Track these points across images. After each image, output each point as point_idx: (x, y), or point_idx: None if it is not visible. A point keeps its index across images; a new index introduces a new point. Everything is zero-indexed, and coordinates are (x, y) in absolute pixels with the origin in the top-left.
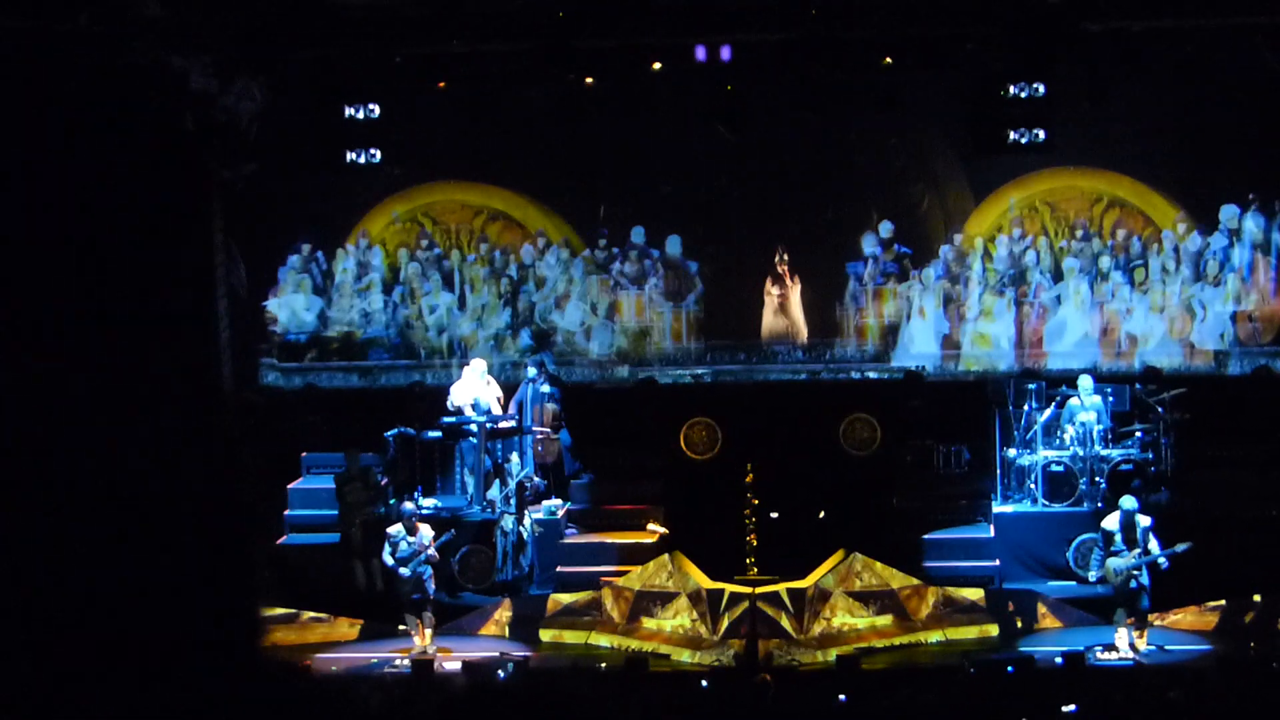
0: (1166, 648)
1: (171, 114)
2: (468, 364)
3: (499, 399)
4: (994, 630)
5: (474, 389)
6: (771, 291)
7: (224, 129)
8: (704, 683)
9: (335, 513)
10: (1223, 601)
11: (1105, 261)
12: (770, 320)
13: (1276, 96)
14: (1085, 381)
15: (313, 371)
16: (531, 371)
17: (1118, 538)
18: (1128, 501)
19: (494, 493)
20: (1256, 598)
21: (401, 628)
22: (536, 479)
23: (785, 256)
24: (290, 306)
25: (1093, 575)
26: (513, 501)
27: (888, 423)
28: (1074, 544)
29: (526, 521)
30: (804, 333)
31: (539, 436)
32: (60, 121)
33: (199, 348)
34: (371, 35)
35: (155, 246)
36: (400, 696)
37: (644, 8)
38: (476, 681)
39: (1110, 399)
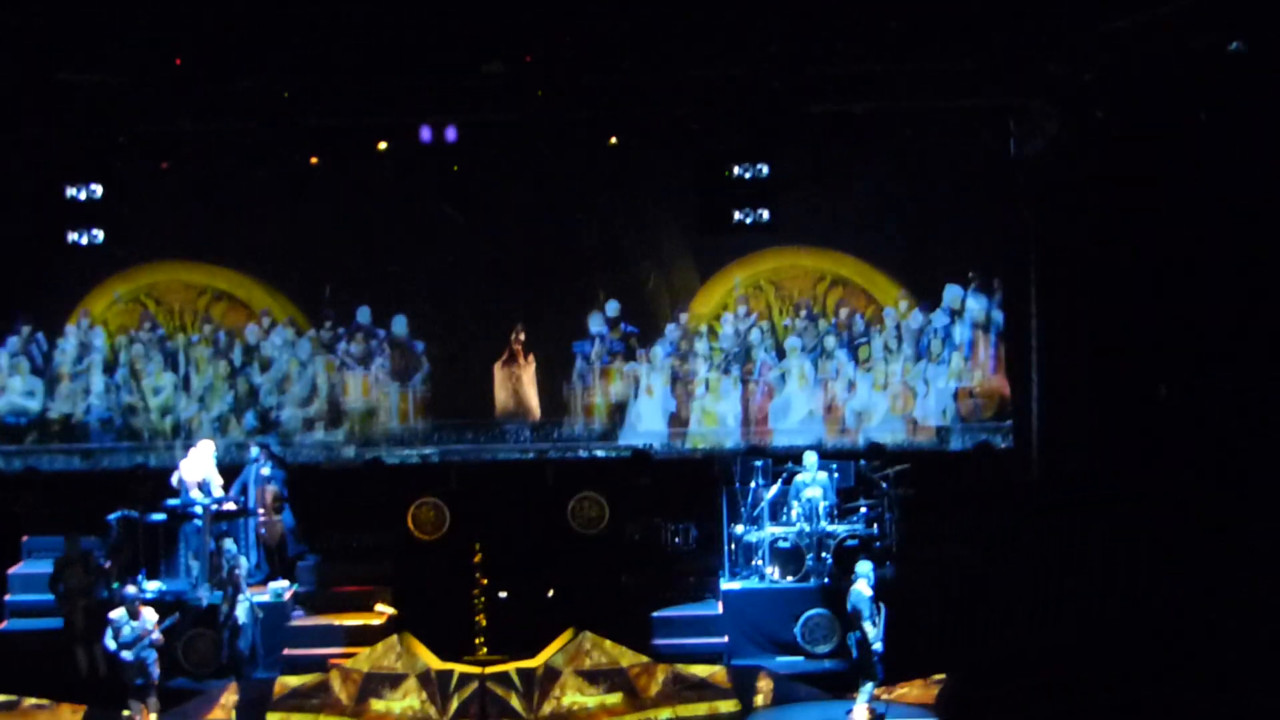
0: None
1: None
2: (194, 445)
3: (220, 484)
4: (726, 707)
5: (202, 470)
6: (505, 370)
7: None
8: None
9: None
10: (943, 675)
11: (829, 340)
12: (503, 399)
13: (995, 178)
14: (810, 458)
15: (33, 454)
16: (254, 452)
17: (869, 606)
18: (865, 566)
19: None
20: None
21: (125, 714)
22: (244, 561)
23: (521, 334)
24: (9, 388)
25: (823, 649)
26: (233, 585)
27: (616, 501)
28: (802, 619)
29: (244, 605)
30: (536, 411)
31: (261, 519)
32: None
33: None
34: (96, 113)
35: None
36: None
37: (369, 88)
38: None
39: (835, 475)
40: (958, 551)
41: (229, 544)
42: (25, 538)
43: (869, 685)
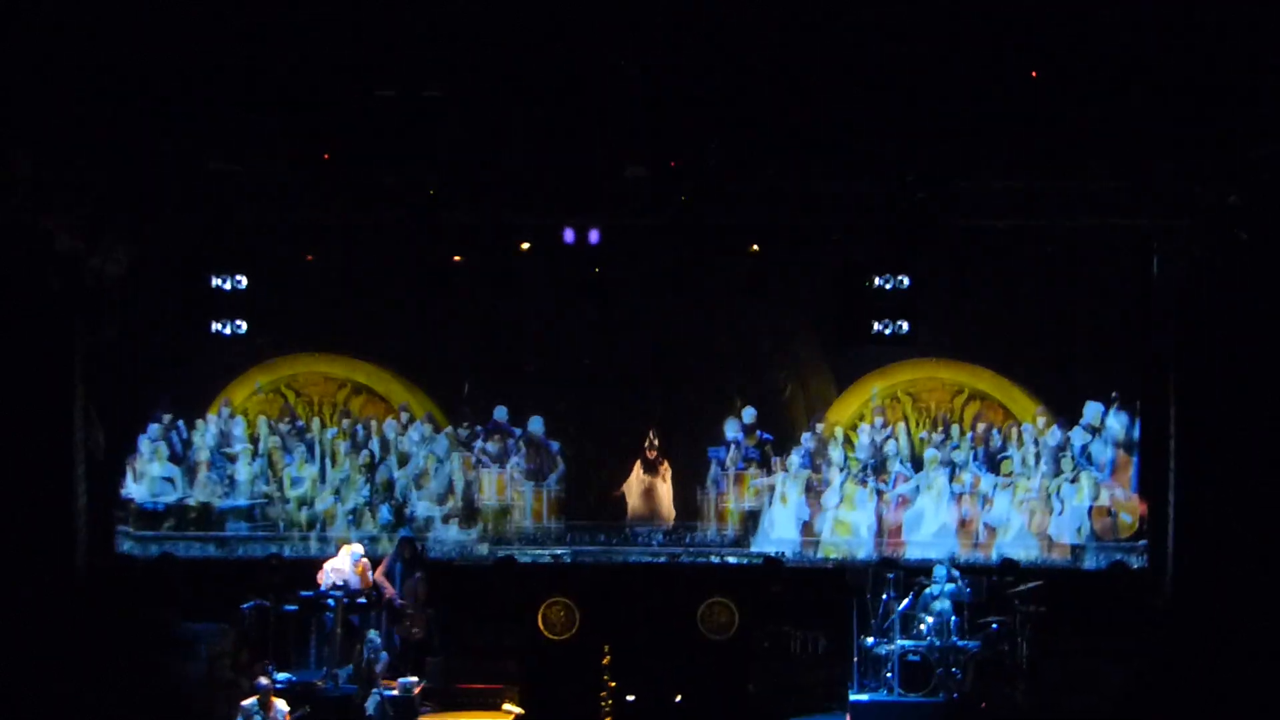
0: None
1: (36, 274)
2: (330, 537)
3: (372, 577)
4: None
5: (343, 566)
6: (639, 474)
7: (89, 291)
8: None
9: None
10: None
11: (964, 453)
12: (636, 503)
13: (1138, 297)
14: (939, 570)
15: (170, 541)
16: (398, 550)
17: None
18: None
19: (343, 669)
20: None
21: None
22: (383, 654)
23: (655, 440)
24: (148, 474)
25: None
26: (370, 677)
27: (746, 607)
28: None
29: (374, 699)
30: (670, 516)
31: (410, 612)
32: None
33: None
34: (243, 203)
35: (14, 408)
36: None
37: (514, 187)
38: None
39: (966, 589)
40: (1088, 668)
41: (373, 634)
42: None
43: None
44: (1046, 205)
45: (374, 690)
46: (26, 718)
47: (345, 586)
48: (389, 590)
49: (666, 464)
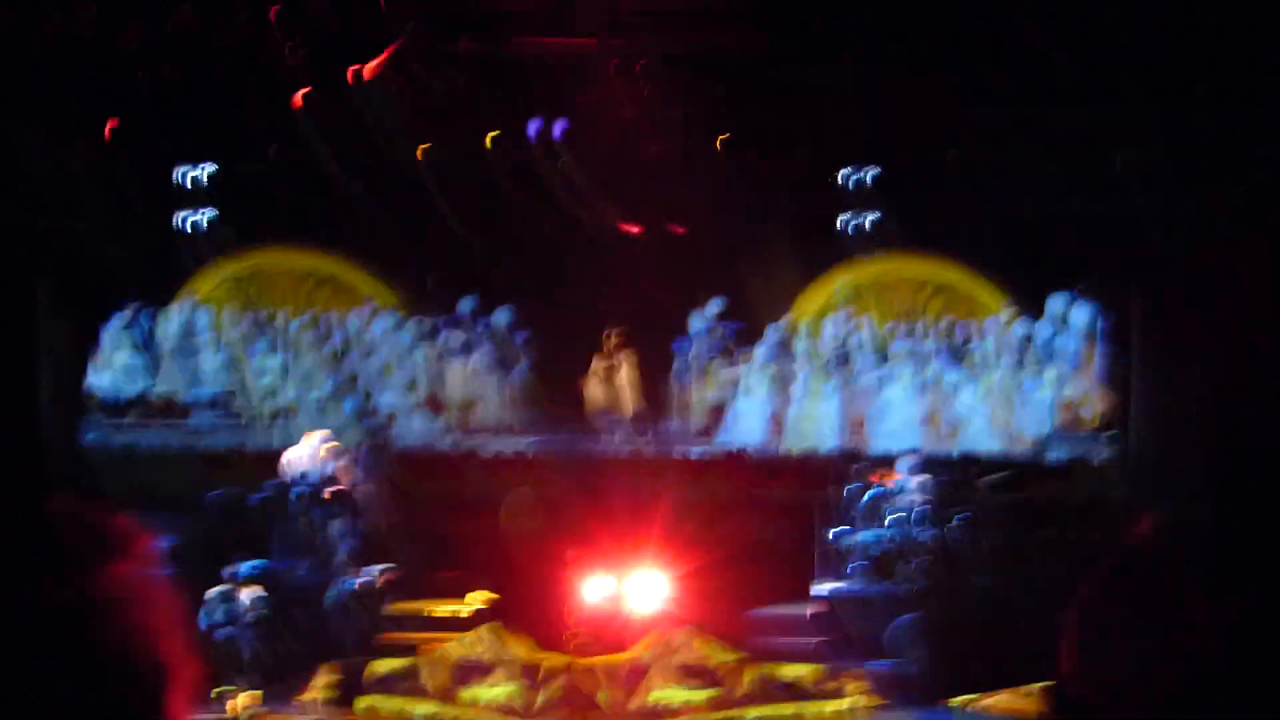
0: None
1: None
2: (295, 428)
3: (336, 467)
4: (814, 708)
5: (309, 454)
6: (599, 367)
7: (52, 184)
8: None
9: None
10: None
11: (930, 346)
12: (596, 396)
13: (1105, 189)
14: (906, 463)
15: (133, 431)
16: (363, 441)
17: None
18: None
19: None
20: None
21: (219, 691)
22: (344, 545)
23: (615, 332)
24: (112, 364)
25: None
26: (329, 566)
27: (712, 501)
28: (894, 623)
29: (340, 588)
30: (631, 409)
31: (376, 502)
32: None
33: (20, 406)
34: (209, 95)
35: None
36: None
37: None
38: None
39: (932, 481)
40: (1049, 563)
41: (334, 524)
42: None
43: None
44: (1013, 100)
45: (338, 579)
46: None
47: (309, 475)
48: (355, 480)
49: (626, 356)
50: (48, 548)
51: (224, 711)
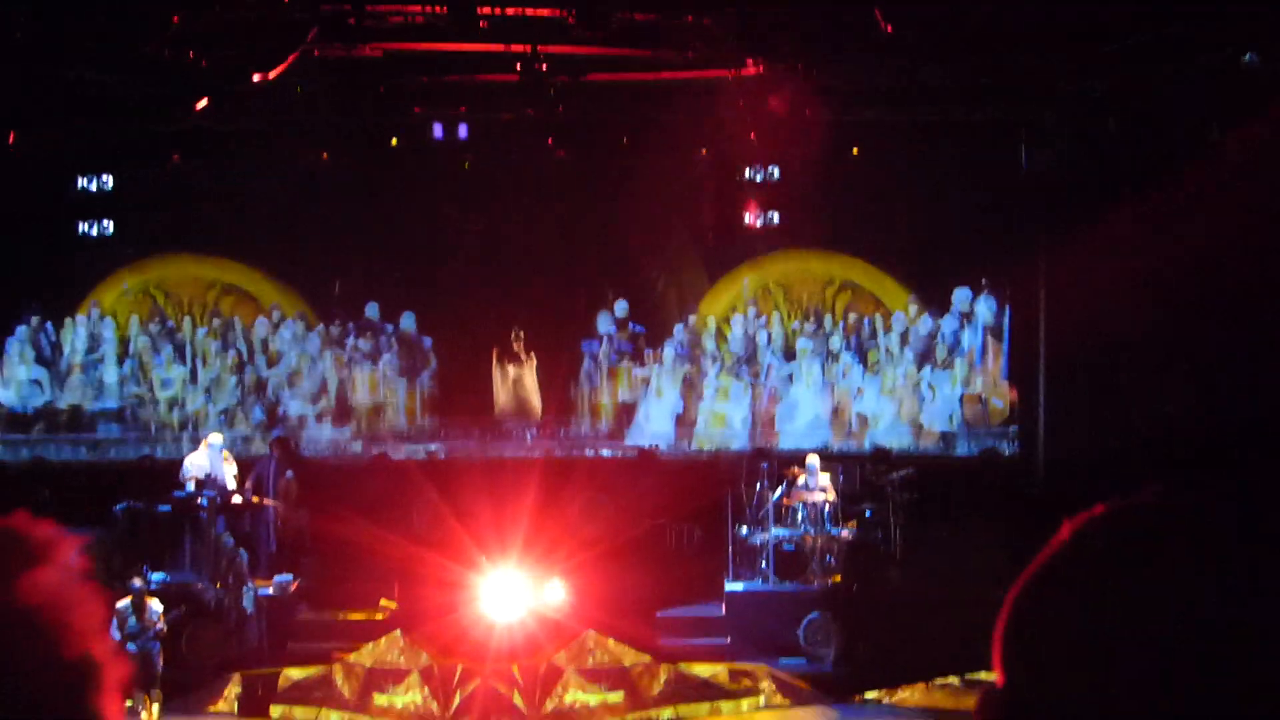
0: None
1: None
2: (202, 437)
3: (235, 475)
4: (728, 707)
5: (210, 463)
6: (506, 369)
7: None
8: None
9: None
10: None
11: (836, 343)
12: (503, 399)
13: (1005, 188)
14: (813, 460)
15: (40, 444)
16: (270, 448)
17: None
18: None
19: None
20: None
21: (129, 704)
22: (244, 553)
23: (520, 334)
24: (16, 378)
25: (825, 652)
26: (235, 576)
27: (621, 502)
28: (805, 621)
29: (248, 596)
30: (538, 411)
31: (283, 512)
32: None
33: None
34: (107, 107)
35: None
36: None
37: (385, 85)
38: None
39: (840, 478)
40: (960, 557)
41: (228, 536)
42: None
43: None
44: (913, 98)
45: (246, 588)
46: None
47: (209, 480)
48: (261, 488)
49: (531, 358)
50: None
51: None
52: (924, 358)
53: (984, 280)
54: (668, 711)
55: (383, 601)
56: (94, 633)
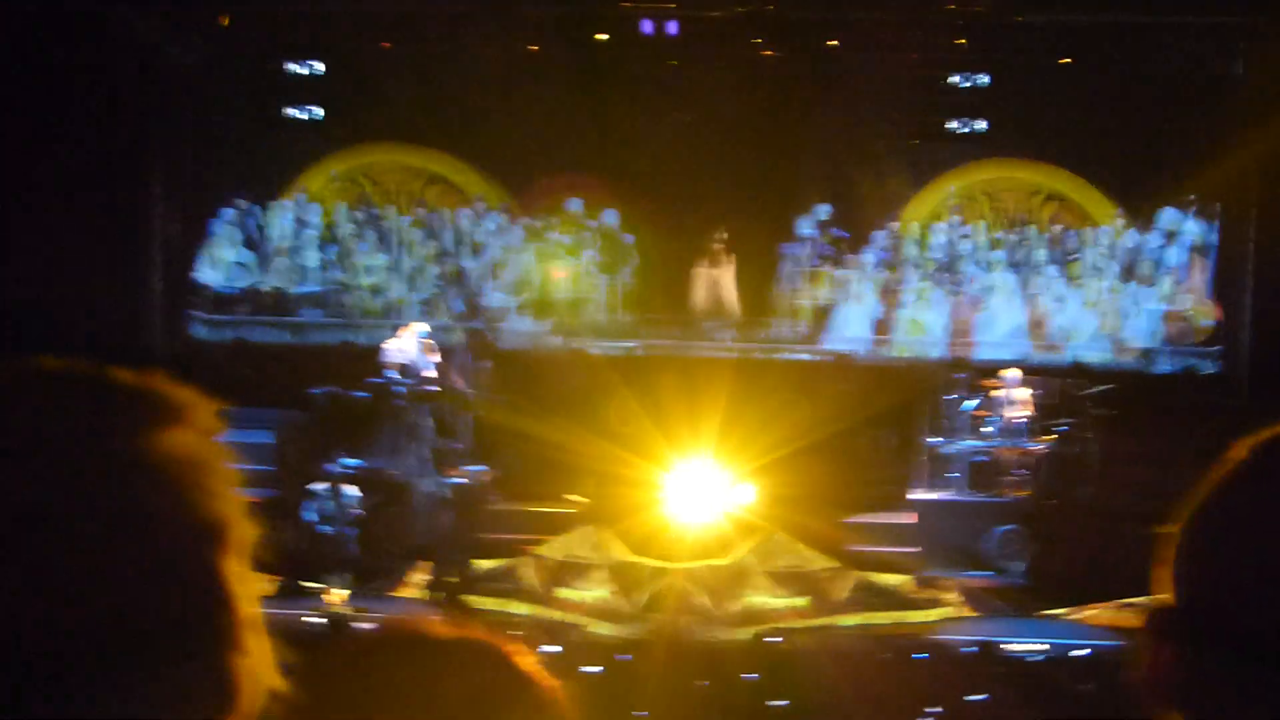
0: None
1: (114, 63)
2: (403, 325)
3: (436, 363)
4: (914, 617)
5: (410, 351)
6: (706, 269)
7: (166, 80)
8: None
9: (263, 469)
10: (1139, 599)
11: (1040, 254)
12: (701, 298)
13: (1220, 100)
14: (1012, 374)
15: (243, 326)
16: (465, 338)
17: None
18: None
19: (412, 457)
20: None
21: (318, 586)
22: (441, 443)
23: (722, 235)
24: (223, 259)
25: (1015, 565)
26: (430, 465)
27: (816, 405)
28: (995, 534)
29: (441, 486)
30: (734, 312)
31: (476, 402)
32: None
33: (130, 298)
34: None
35: (90, 196)
36: (316, 651)
37: None
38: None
39: (1038, 392)
40: (1155, 474)
41: (425, 425)
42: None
43: None
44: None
45: (440, 477)
46: None
47: (410, 368)
48: (457, 378)
49: (732, 259)
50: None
51: (324, 605)
52: (1128, 272)
53: (1192, 197)
54: (853, 619)
55: (574, 496)
56: (224, 497)
